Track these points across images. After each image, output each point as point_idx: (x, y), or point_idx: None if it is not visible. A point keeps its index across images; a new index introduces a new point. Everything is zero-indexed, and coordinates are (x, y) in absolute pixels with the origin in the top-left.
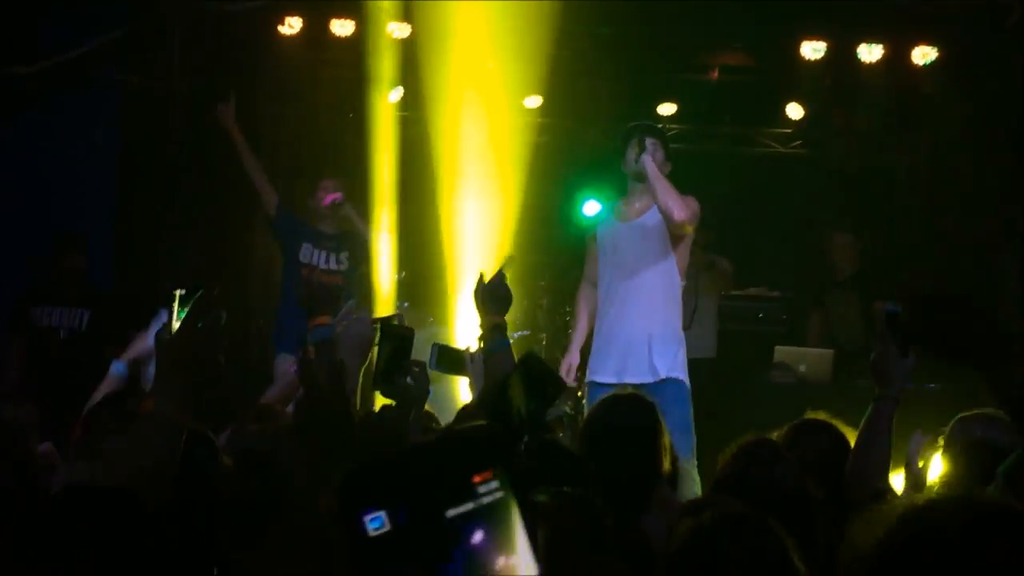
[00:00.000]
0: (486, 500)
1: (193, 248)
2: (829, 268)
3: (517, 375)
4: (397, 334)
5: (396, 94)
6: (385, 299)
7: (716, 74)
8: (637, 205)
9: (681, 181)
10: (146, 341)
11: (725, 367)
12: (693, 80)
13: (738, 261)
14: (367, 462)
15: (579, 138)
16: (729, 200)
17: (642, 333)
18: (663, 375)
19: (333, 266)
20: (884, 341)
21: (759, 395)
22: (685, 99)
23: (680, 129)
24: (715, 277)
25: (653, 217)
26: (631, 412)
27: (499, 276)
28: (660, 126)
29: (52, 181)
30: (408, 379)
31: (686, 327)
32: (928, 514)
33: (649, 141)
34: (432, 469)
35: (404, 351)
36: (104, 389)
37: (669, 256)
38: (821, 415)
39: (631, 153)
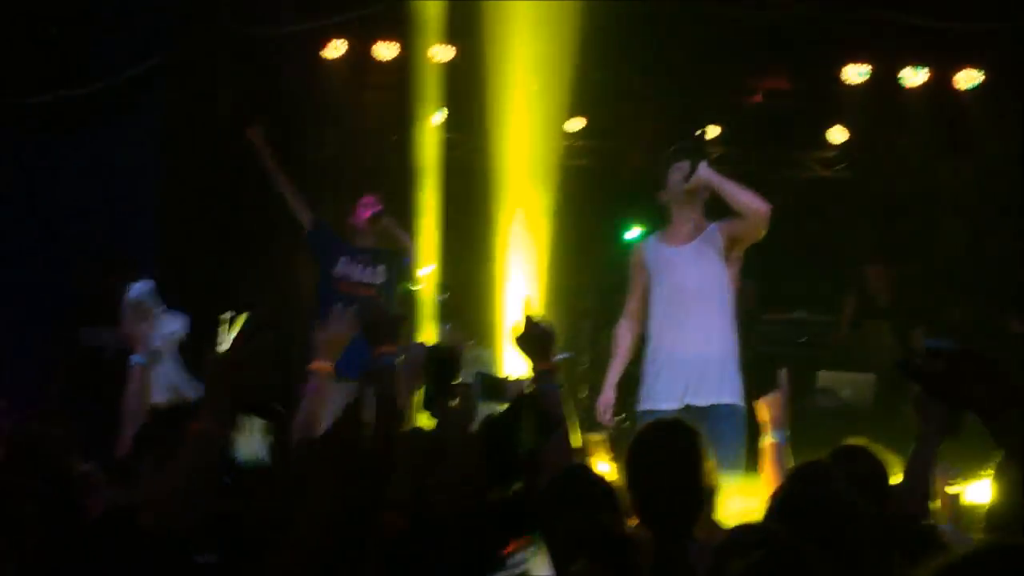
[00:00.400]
0: (517, 571)
1: (238, 270)
2: (867, 297)
3: (528, 412)
4: (444, 356)
5: (439, 116)
6: (428, 321)
7: (759, 97)
8: (685, 229)
9: (723, 205)
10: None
11: (766, 391)
12: (736, 104)
13: (780, 285)
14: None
15: (622, 160)
16: (771, 224)
17: (710, 355)
18: (728, 400)
19: (368, 279)
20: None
21: (803, 420)
22: (728, 123)
23: (723, 152)
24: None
25: (708, 238)
26: (673, 437)
27: (531, 322)
28: (698, 142)
29: (99, 202)
30: (455, 401)
31: None
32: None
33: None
34: (464, 542)
35: (451, 373)
36: (132, 387)
37: (725, 276)
38: (861, 441)
39: (677, 174)
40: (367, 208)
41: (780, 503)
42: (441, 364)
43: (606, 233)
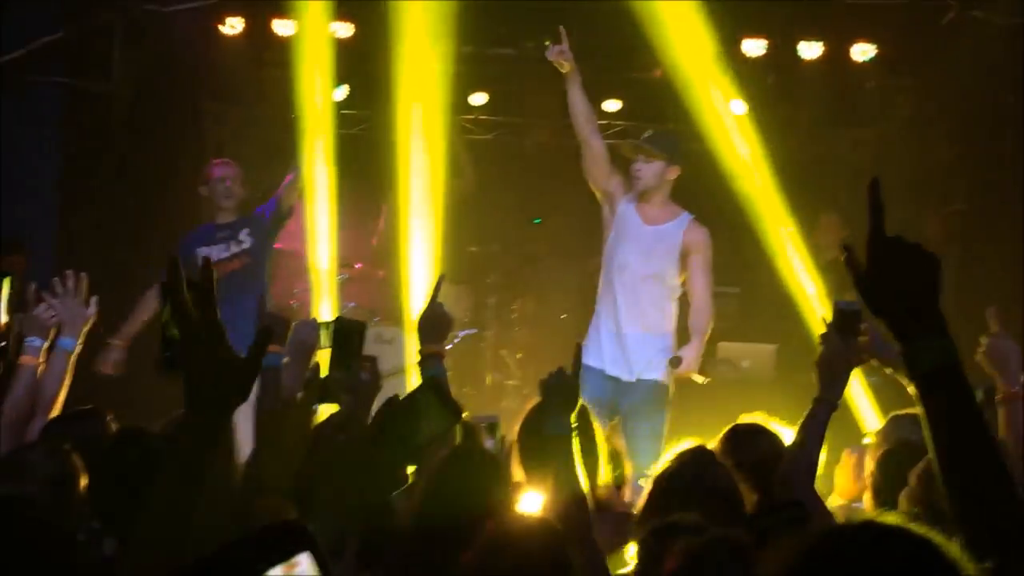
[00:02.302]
0: None
1: (134, 248)
2: (812, 249)
3: (429, 398)
4: (349, 329)
5: (341, 92)
6: (330, 299)
7: (659, 72)
8: (653, 212)
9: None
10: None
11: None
12: (638, 79)
13: None
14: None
15: (527, 135)
16: (677, 199)
17: (643, 333)
18: (640, 375)
19: (232, 251)
20: (832, 341)
21: (702, 391)
22: (629, 97)
23: (626, 126)
24: None
25: (669, 229)
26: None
27: (436, 304)
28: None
29: None
30: (362, 375)
31: None
32: (828, 546)
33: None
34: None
35: (357, 346)
36: (56, 371)
37: (672, 268)
38: (758, 415)
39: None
40: (218, 168)
41: (662, 487)
42: (347, 336)
43: (512, 207)
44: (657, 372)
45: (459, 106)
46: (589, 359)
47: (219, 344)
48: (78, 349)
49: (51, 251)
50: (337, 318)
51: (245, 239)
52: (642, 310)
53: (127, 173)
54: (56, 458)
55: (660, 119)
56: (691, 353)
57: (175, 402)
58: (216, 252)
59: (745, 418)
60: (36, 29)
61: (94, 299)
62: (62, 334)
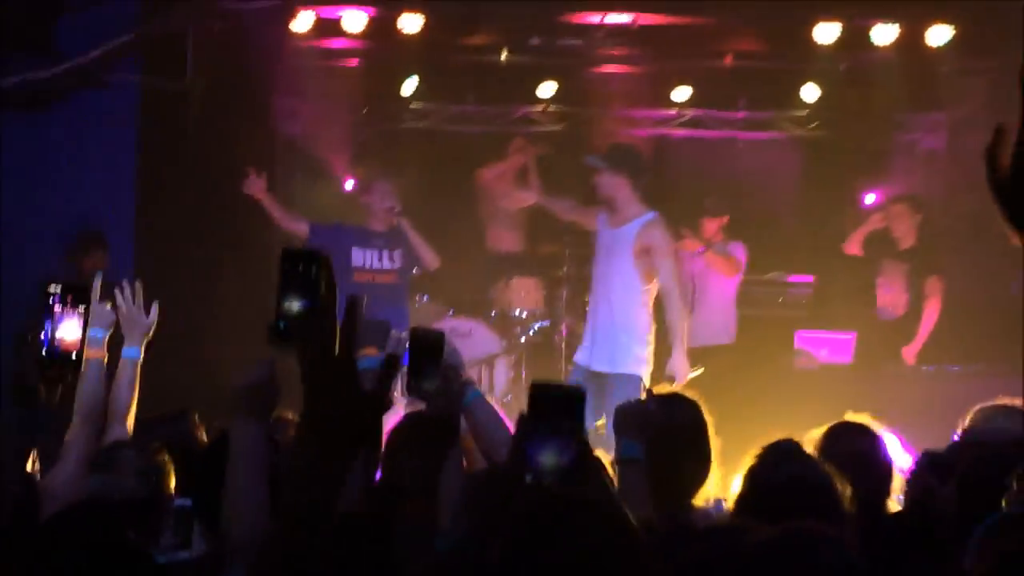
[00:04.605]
0: None
1: (211, 244)
2: (888, 238)
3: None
4: (426, 337)
5: (411, 85)
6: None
7: (730, 59)
8: (619, 216)
9: (696, 167)
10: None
11: (745, 353)
12: (708, 66)
13: (758, 246)
14: None
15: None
16: (746, 184)
17: (613, 327)
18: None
19: (387, 264)
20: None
21: (782, 381)
22: (700, 85)
23: (695, 115)
24: (722, 264)
25: (626, 230)
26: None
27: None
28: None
29: (73, 181)
30: (442, 383)
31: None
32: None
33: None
34: None
35: (436, 355)
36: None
37: (631, 267)
38: (863, 417)
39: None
40: (383, 197)
41: (756, 483)
42: (425, 345)
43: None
44: (631, 367)
45: (527, 97)
46: (578, 357)
47: (351, 386)
48: (141, 357)
49: (129, 246)
50: (413, 329)
51: (397, 258)
52: (611, 307)
53: (201, 169)
54: (146, 454)
55: (731, 106)
56: (676, 364)
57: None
58: (370, 259)
59: (850, 417)
60: (112, 29)
61: (155, 306)
62: (125, 343)
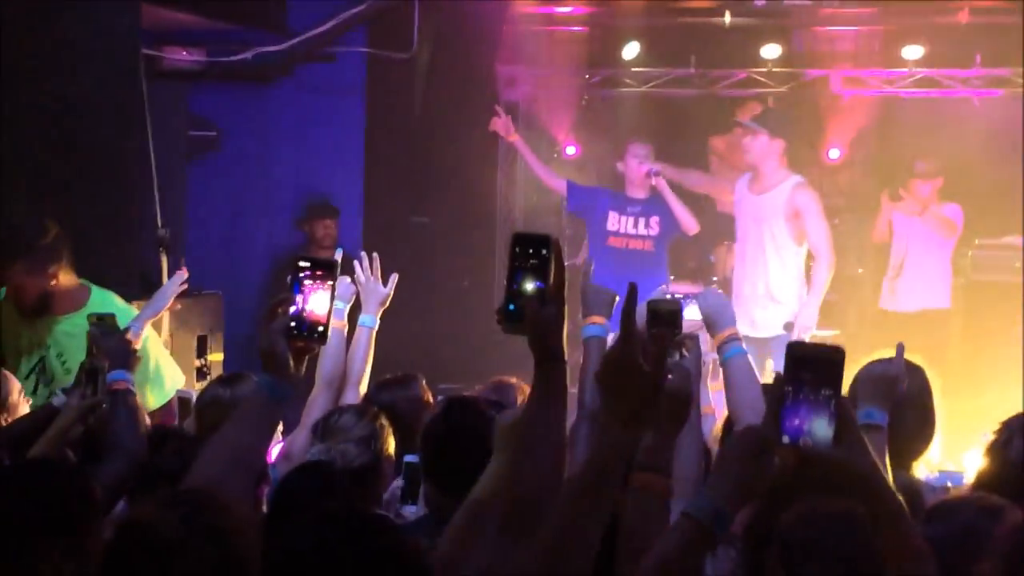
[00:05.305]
0: None
1: (434, 209)
2: None
3: None
4: (664, 310)
5: (632, 50)
6: None
7: (966, 15)
8: (763, 181)
9: (927, 127)
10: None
11: (973, 319)
12: (942, 23)
13: (987, 209)
14: None
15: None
16: (989, 143)
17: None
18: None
19: (642, 231)
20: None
21: (1011, 348)
22: (934, 43)
23: (928, 74)
24: (940, 225)
25: (774, 195)
26: None
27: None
28: None
29: (302, 152)
30: (683, 353)
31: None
32: None
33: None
34: None
35: (674, 326)
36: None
37: (783, 231)
38: None
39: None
40: (639, 161)
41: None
42: (662, 320)
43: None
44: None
45: (751, 60)
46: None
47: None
48: (377, 325)
49: (358, 215)
50: (649, 301)
51: (655, 225)
52: (766, 272)
53: (426, 136)
54: (365, 420)
55: (966, 65)
56: (807, 314)
57: None
58: (625, 224)
59: None
60: (341, 3)
61: (393, 277)
62: (363, 312)
